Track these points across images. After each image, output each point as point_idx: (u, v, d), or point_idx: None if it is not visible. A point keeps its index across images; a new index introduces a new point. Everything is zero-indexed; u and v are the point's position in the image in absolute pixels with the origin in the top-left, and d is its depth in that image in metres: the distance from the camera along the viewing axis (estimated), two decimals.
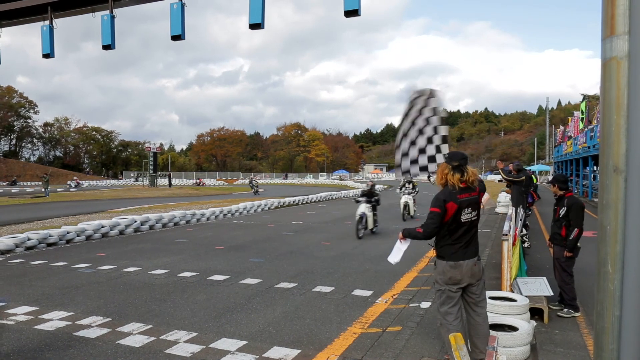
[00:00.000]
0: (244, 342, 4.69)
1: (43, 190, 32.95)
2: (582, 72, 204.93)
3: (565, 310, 5.59)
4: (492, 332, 4.06)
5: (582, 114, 36.08)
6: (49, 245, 10.83)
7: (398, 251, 4.20)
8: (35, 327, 5.19)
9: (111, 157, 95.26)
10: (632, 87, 1.75)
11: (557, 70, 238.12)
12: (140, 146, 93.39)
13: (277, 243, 11.28)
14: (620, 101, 1.77)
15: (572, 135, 36.31)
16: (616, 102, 1.78)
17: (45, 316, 5.55)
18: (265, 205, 21.54)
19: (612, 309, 1.81)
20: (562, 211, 5.72)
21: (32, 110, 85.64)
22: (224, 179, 73.00)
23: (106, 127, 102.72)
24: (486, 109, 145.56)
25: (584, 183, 28.46)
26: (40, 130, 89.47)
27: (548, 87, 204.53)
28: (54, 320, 5.42)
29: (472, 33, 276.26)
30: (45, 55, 9.46)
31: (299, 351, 4.46)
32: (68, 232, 11.41)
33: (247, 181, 56.56)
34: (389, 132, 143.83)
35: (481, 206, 3.98)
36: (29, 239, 10.39)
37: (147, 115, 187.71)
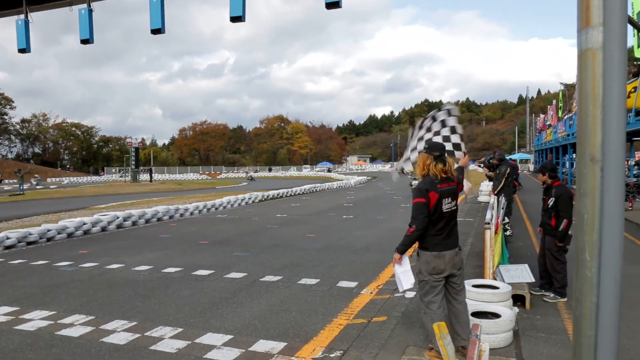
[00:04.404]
0: (230, 337, 4.69)
1: (19, 186, 31.83)
2: (565, 60, 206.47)
3: (552, 295, 5.68)
4: (476, 320, 4.12)
5: (560, 103, 36.86)
6: (29, 243, 10.65)
7: (404, 275, 3.92)
8: (16, 327, 5.11)
9: (92, 153, 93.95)
10: (607, 79, 1.78)
11: (541, 59, 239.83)
12: (121, 141, 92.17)
13: (261, 236, 11.26)
14: (596, 92, 1.80)
15: (552, 123, 36.91)
16: (592, 93, 1.81)
17: (26, 316, 5.47)
18: (249, 198, 21.46)
19: (589, 295, 1.85)
20: (551, 201, 5.72)
21: (8, 107, 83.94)
22: (206, 173, 72.44)
23: (88, 123, 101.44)
24: (468, 98, 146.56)
25: (563, 170, 28.92)
26: (18, 126, 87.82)
27: (532, 76, 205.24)
28: (36, 320, 5.34)
29: (459, 22, 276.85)
30: (21, 50, 9.27)
31: (285, 344, 4.48)
32: (49, 230, 11.23)
33: (230, 175, 56.95)
34: (372, 124, 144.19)
35: (464, 195, 4.02)
36: (7, 238, 10.20)
37: (130, 110, 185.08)
